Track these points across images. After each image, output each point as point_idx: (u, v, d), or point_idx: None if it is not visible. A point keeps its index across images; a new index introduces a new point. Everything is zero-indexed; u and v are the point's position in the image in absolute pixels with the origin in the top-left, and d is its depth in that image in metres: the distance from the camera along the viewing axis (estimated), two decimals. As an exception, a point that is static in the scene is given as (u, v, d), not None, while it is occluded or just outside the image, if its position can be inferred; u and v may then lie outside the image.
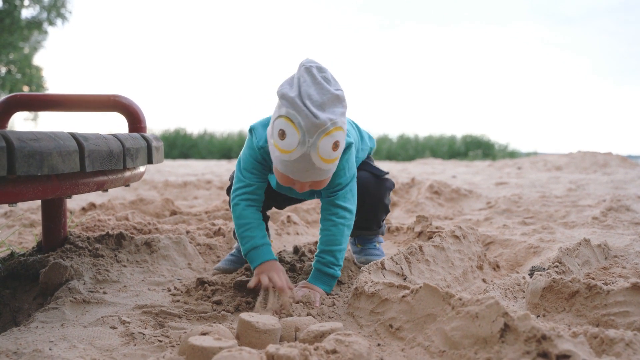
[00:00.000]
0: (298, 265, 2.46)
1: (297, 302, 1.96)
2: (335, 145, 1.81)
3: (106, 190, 2.18)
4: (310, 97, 1.75)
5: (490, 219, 3.73)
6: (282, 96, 1.78)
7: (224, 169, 9.33)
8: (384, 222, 2.58)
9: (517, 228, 3.31)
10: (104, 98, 2.56)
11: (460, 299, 1.57)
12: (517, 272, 2.46)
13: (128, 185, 2.39)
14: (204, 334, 1.57)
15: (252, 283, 2.00)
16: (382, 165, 9.30)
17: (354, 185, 2.14)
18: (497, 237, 2.99)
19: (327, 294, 2.10)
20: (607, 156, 9.56)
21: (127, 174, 2.31)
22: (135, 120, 2.55)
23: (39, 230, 3.33)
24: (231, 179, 2.36)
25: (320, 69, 1.82)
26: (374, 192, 2.33)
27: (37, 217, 3.88)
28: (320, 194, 2.19)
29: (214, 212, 3.82)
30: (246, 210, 2.09)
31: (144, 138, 2.28)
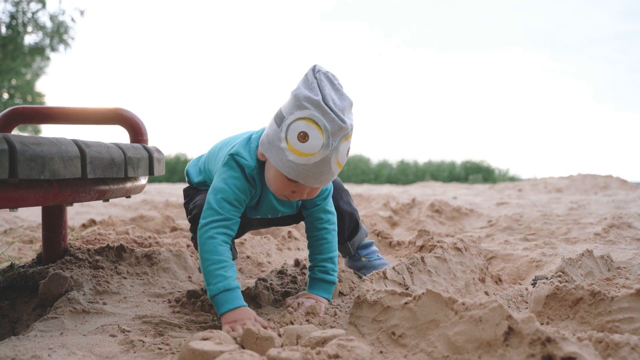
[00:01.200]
0: (299, 277, 2.45)
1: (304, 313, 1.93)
2: (348, 152, 1.85)
3: (107, 200, 2.18)
4: (333, 101, 1.75)
5: (491, 236, 3.72)
6: (306, 98, 1.75)
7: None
8: (360, 221, 2.55)
9: (518, 244, 3.30)
10: (105, 111, 2.57)
11: (464, 304, 1.56)
12: (520, 284, 2.44)
13: (129, 197, 2.39)
14: (204, 339, 1.55)
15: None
16: (383, 188, 9.31)
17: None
18: (498, 252, 2.98)
19: (329, 302, 2.09)
20: (608, 179, 9.57)
21: (128, 184, 2.31)
22: (137, 133, 2.56)
23: (38, 246, 3.31)
24: (188, 205, 2.27)
25: (334, 77, 1.83)
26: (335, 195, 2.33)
27: (37, 234, 3.87)
28: (301, 208, 2.18)
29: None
30: (223, 247, 1.88)
31: (146, 149, 2.28)
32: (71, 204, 1.96)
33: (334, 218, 2.15)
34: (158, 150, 2.42)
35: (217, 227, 1.88)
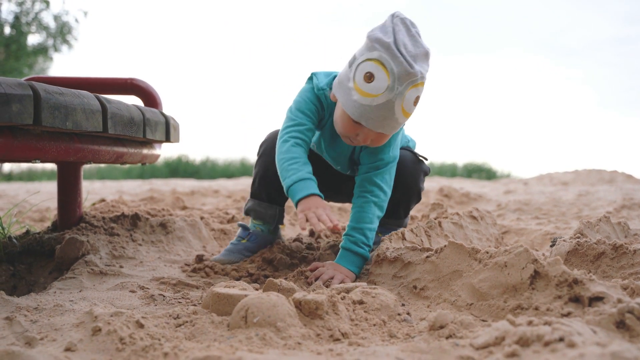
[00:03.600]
0: (315, 245, 2.44)
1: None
2: (417, 100, 1.80)
3: (124, 164, 2.18)
4: (405, 46, 1.72)
5: (502, 216, 3.71)
6: (377, 40, 1.73)
7: (230, 183, 9.33)
8: (409, 216, 2.47)
9: (530, 221, 3.29)
10: (121, 81, 2.57)
11: (487, 252, 1.56)
12: (537, 251, 2.43)
13: (144, 164, 2.39)
14: (228, 287, 1.55)
15: (301, 223, 1.81)
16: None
17: (394, 168, 2.08)
18: (512, 227, 2.98)
19: (357, 277, 1.97)
20: (613, 173, 9.57)
21: (145, 151, 2.31)
22: (152, 103, 2.56)
23: (51, 220, 3.31)
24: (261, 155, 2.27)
25: (413, 24, 1.79)
26: (411, 171, 2.21)
27: (47, 214, 3.87)
28: (357, 170, 2.12)
29: (226, 209, 3.80)
30: (295, 148, 1.95)
31: (163, 114, 2.29)
32: (90, 162, 1.96)
33: (380, 193, 2.02)
34: (174, 119, 2.42)
35: (290, 131, 1.98)
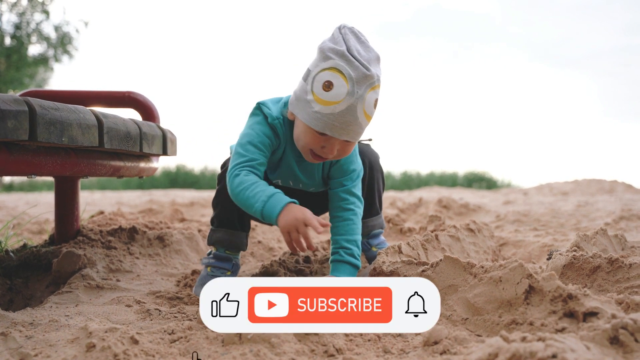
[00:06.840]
0: (312, 257, 2.44)
1: None
2: (376, 103, 1.81)
3: (121, 177, 2.18)
4: (358, 52, 1.74)
5: (501, 227, 3.71)
6: (330, 50, 1.75)
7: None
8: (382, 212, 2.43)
9: (529, 232, 3.29)
10: (118, 94, 2.58)
11: (483, 267, 1.56)
12: (534, 263, 2.43)
13: (142, 177, 2.39)
14: (223, 302, 1.54)
15: (290, 247, 1.72)
16: (388, 194, 9.31)
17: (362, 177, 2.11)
18: (509, 239, 2.97)
19: None
20: (613, 183, 9.60)
21: (142, 164, 2.32)
22: (149, 117, 2.57)
23: (49, 234, 3.31)
24: (222, 174, 2.08)
25: (361, 33, 1.82)
26: (372, 156, 2.25)
27: (46, 226, 3.87)
28: (327, 187, 2.09)
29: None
30: (249, 176, 1.80)
31: (160, 128, 2.29)
32: (86, 177, 1.97)
33: (360, 204, 2.07)
34: (171, 132, 2.42)
35: (241, 167, 1.82)
